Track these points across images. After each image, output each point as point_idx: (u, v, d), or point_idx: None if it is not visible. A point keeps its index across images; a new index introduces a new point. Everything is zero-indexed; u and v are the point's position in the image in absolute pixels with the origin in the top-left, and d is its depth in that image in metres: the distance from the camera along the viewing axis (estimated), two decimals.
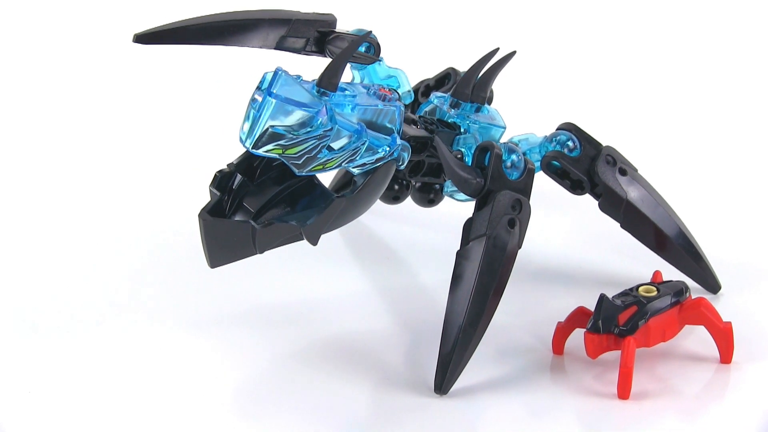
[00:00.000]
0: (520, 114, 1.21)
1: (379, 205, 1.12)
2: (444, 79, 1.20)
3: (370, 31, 0.99)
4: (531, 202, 1.03)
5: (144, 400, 0.97)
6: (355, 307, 1.12)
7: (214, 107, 1.57)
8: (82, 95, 1.64)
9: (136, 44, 1.00)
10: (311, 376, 1.00)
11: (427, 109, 1.10)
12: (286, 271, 1.17)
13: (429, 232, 1.27)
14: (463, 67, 1.19)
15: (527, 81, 1.54)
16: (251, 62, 1.16)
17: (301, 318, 1.09)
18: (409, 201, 1.11)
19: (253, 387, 0.99)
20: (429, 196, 1.11)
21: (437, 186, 1.10)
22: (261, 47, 1.03)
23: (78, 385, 0.99)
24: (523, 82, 1.42)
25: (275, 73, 0.91)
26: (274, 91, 0.90)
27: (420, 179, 1.08)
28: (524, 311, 1.10)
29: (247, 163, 0.97)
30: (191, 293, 1.13)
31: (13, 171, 1.45)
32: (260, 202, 0.96)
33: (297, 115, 0.90)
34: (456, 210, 1.18)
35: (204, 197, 0.96)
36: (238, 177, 0.96)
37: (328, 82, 0.93)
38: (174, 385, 0.99)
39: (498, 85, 1.18)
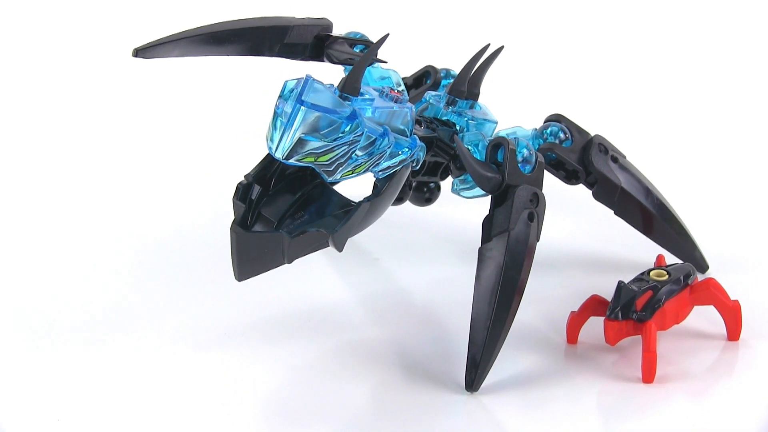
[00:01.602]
0: (499, 107, 1.22)
1: None
2: (422, 78, 1.19)
3: (387, 34, 0.99)
4: None
5: (147, 408, 0.96)
6: (361, 310, 1.12)
7: (215, 112, 1.55)
8: (85, 99, 1.62)
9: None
10: (334, 381, 1.00)
11: (420, 107, 1.10)
12: (288, 278, 1.15)
13: (427, 233, 1.27)
14: (441, 64, 1.19)
15: (502, 74, 1.55)
16: (248, 69, 1.14)
17: (311, 325, 1.09)
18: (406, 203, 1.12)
19: (272, 394, 0.99)
20: (425, 195, 1.10)
21: (432, 184, 1.10)
22: (262, 56, 1.02)
23: (78, 390, 0.98)
24: (498, 76, 1.43)
25: (305, 80, 0.90)
26: (305, 99, 0.89)
27: (418, 178, 1.08)
28: (534, 303, 1.10)
29: (262, 173, 0.96)
30: (196, 302, 1.12)
31: (15, 174, 1.42)
32: (279, 212, 0.95)
33: (328, 122, 0.89)
34: (445, 210, 1.19)
35: (211, 203, 0.95)
36: (256, 188, 0.95)
37: (351, 87, 0.92)
38: (180, 394, 0.98)
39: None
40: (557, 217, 1.26)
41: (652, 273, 1.04)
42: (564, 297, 1.11)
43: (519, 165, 1.01)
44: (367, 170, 0.93)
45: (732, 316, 1.04)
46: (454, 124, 1.08)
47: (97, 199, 1.35)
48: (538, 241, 1.01)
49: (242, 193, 0.94)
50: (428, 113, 1.09)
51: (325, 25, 1.04)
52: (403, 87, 1.12)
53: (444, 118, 1.09)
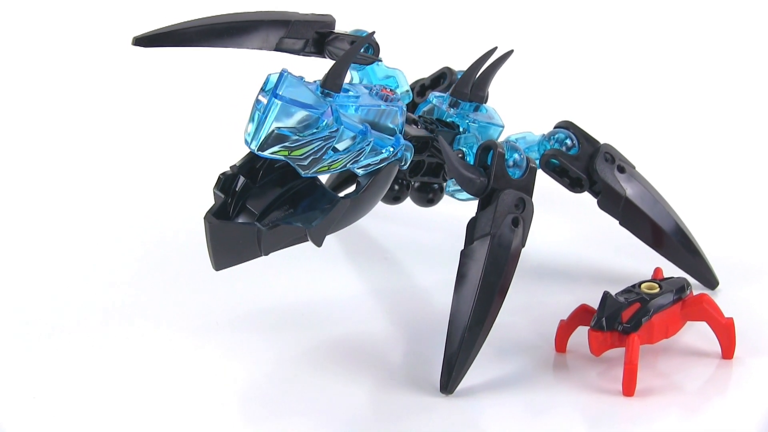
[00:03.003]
0: (517, 112, 1.22)
1: (379, 205, 1.11)
2: (439, 79, 1.19)
3: (374, 32, 0.99)
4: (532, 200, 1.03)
5: (145, 402, 0.97)
6: (357, 307, 1.12)
7: (215, 108, 1.57)
8: (84, 97, 1.64)
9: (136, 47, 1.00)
10: (316, 377, 1.00)
11: (426, 108, 1.10)
12: (287, 272, 1.16)
13: (428, 232, 1.26)
14: (458, 66, 1.19)
15: (523, 79, 1.54)
16: (251, 64, 1.15)
17: (304, 319, 1.09)
18: (408, 201, 1.11)
19: (256, 388, 0.99)
20: (428, 196, 1.10)
21: (436, 185, 1.10)
22: (260, 49, 1.03)
23: (79, 387, 0.98)
24: (518, 81, 1.41)
25: (281, 74, 0.91)
26: (280, 93, 0.90)
27: (419, 179, 1.08)
28: (526, 309, 1.10)
29: (250, 165, 0.96)
30: (192, 295, 1.13)
31: (13, 172, 1.44)
32: (264, 204, 0.96)
33: (302, 117, 0.90)
34: (456, 210, 1.18)
35: (207, 199, 0.96)
36: (241, 179, 0.96)
37: (332, 83, 0.93)
38: (175, 387, 0.99)
39: (494, 84, 1.18)
40: (561, 224, 1.25)
41: (643, 285, 1.02)
42: (561, 304, 1.09)
43: (509, 170, 1.00)
44: (345, 167, 0.94)
45: (725, 333, 1.02)
46: (458, 126, 1.08)
47: (97, 199, 1.37)
48: (523, 246, 1.00)
49: (223, 183, 0.95)
50: (436, 114, 1.09)
51: (327, 22, 1.05)
52: (407, 87, 1.12)
53: (449, 120, 1.08)
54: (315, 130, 0.91)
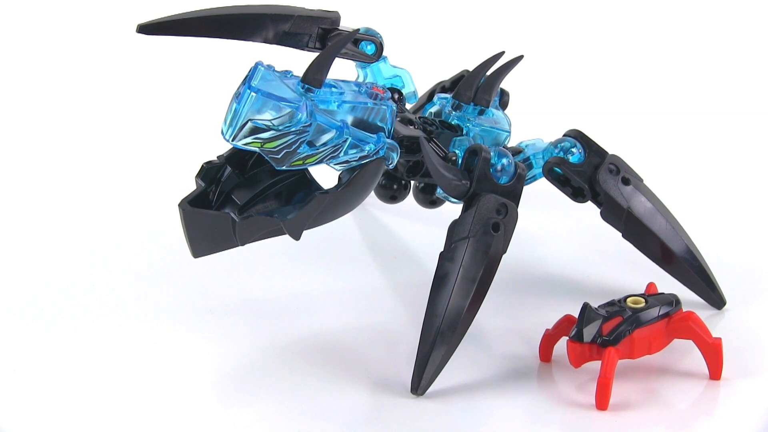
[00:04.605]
0: (539, 118, 1.21)
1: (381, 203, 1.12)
2: (458, 82, 1.19)
3: (358, 29, 1.00)
4: (533, 207, 1.02)
5: (133, 392, 0.98)
6: (350, 303, 1.12)
7: (216, 102, 1.58)
8: (84, 91, 1.66)
9: (140, 35, 1.02)
10: (296, 370, 1.01)
11: (432, 110, 1.10)
12: (285, 265, 1.17)
13: (430, 231, 1.26)
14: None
15: (549, 85, 1.53)
16: (256, 57, 1.16)
17: (293, 313, 1.10)
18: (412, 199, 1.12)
19: (233, 380, 1.00)
20: (431, 198, 1.10)
21: None
22: (263, 42, 1.04)
23: (70, 376, 1.01)
24: (544, 87, 1.40)
25: (255, 67, 0.92)
26: (254, 85, 0.91)
27: (421, 180, 1.08)
28: (517, 316, 1.09)
29: (238, 156, 0.98)
30: (189, 286, 1.15)
31: (11, 168, 1.46)
32: (249, 195, 0.98)
33: (276, 110, 0.91)
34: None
35: None
36: (228, 169, 0.97)
37: (312, 78, 0.94)
38: (164, 376, 1.01)
39: (518, 90, 1.17)
40: (563, 233, 1.24)
41: (629, 299, 1.01)
42: (553, 313, 1.07)
43: (495, 175, 1.00)
44: (320, 162, 0.94)
45: (712, 354, 1.00)
46: (461, 129, 1.08)
47: (89, 192, 1.38)
48: (504, 252, 1.00)
49: (206, 172, 0.96)
50: (442, 116, 1.09)
51: (331, 18, 1.05)
52: (413, 88, 1.12)
53: (454, 123, 1.08)
54: (288, 124, 0.92)
